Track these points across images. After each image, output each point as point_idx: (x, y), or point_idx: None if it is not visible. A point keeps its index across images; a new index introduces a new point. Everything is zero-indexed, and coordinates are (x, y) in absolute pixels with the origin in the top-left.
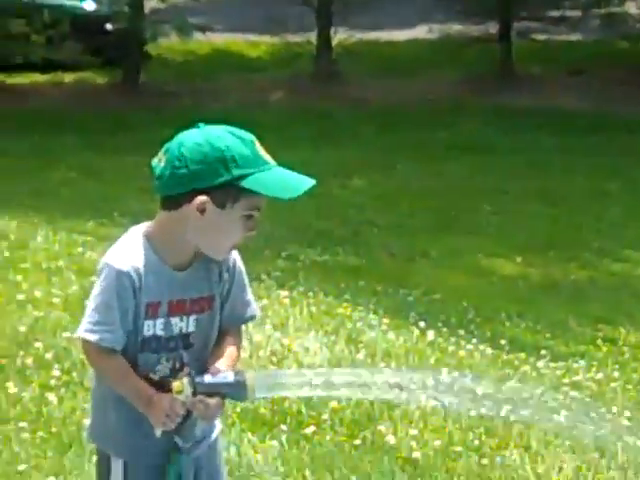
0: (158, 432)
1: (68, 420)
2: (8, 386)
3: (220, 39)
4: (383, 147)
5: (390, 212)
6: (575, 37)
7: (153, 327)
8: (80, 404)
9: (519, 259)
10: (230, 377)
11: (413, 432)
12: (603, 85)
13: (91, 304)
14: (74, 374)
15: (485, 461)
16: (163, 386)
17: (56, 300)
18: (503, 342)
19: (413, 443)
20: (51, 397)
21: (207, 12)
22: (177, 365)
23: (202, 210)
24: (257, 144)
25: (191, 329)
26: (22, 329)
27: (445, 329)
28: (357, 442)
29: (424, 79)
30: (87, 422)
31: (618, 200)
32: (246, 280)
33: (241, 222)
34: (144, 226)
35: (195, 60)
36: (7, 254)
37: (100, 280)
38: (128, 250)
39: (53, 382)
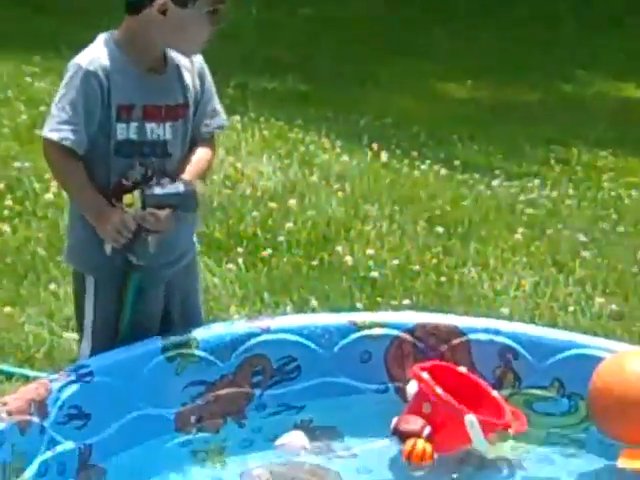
0: (108, 248)
1: (23, 249)
2: None
3: None
4: None
5: (339, 38)
6: None
7: (126, 130)
8: (34, 234)
9: (469, 82)
10: (180, 187)
11: (370, 252)
12: None
13: (57, 104)
14: (27, 204)
15: (443, 279)
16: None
17: (5, 130)
18: (456, 163)
19: (371, 263)
20: (5, 227)
21: None
22: (149, 172)
23: (163, 11)
24: None
25: (168, 136)
26: None
27: (398, 151)
28: (314, 263)
29: None
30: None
31: (568, 20)
32: (214, 89)
33: (206, 18)
34: (112, 32)
35: None
36: None
37: (67, 80)
38: (96, 52)
39: (6, 212)
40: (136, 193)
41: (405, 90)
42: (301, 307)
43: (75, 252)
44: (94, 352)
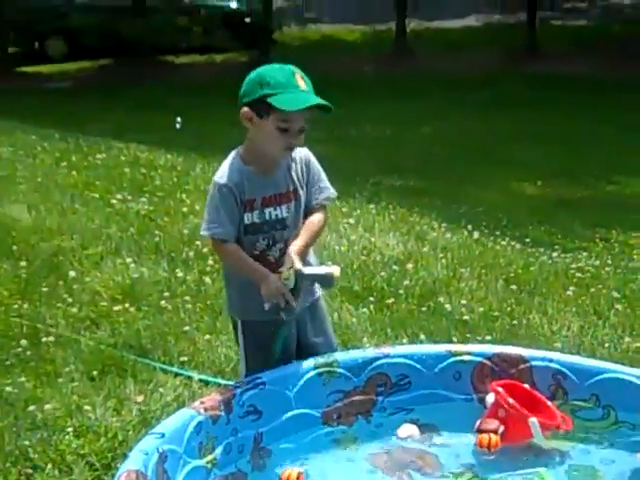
0: (267, 306)
1: (218, 295)
2: (177, 272)
3: (326, 28)
4: (445, 103)
5: (447, 149)
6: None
7: (251, 217)
8: None
9: (539, 183)
10: (323, 270)
11: (463, 302)
12: (604, 57)
13: (205, 212)
14: None
15: (515, 322)
16: (265, 260)
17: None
18: (527, 240)
19: (463, 309)
20: (207, 279)
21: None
22: (271, 242)
23: (249, 119)
24: (297, 75)
25: (285, 214)
26: (186, 232)
27: (486, 231)
28: (424, 309)
29: (474, 54)
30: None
31: (612, 139)
32: (321, 171)
33: (278, 133)
34: (239, 148)
35: (308, 44)
36: (175, 180)
37: (210, 193)
38: (227, 168)
39: (208, 268)
40: (291, 271)
41: (492, 187)
42: (413, 340)
43: (230, 305)
44: (249, 372)
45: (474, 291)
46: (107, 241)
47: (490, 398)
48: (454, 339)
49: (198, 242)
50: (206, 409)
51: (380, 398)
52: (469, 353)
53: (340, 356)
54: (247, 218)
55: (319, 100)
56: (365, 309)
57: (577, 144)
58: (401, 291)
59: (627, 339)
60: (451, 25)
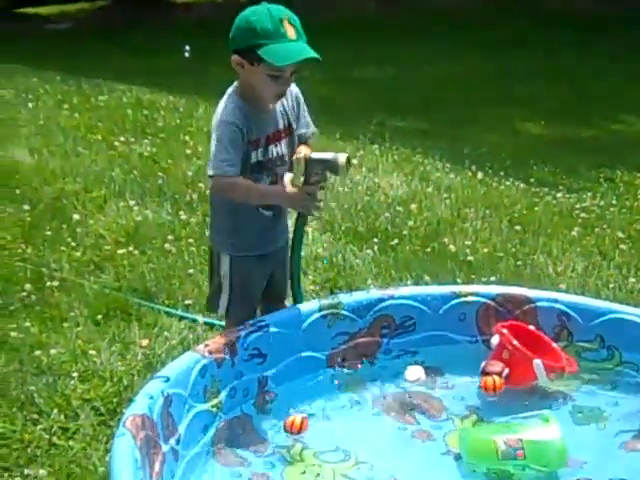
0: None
1: None
2: (180, 214)
3: None
4: (448, 43)
5: (450, 88)
6: None
7: (256, 155)
8: None
9: (543, 122)
10: (330, 155)
11: (468, 243)
12: None
13: (213, 151)
14: None
15: (519, 263)
16: None
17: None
18: (532, 180)
19: (467, 250)
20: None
21: None
22: (273, 179)
23: (240, 65)
24: (285, 22)
25: (284, 151)
26: (189, 174)
27: (490, 172)
28: (428, 250)
29: None
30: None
31: (619, 78)
32: (305, 107)
33: (270, 79)
34: (234, 85)
35: None
36: (178, 121)
37: (217, 133)
38: (230, 108)
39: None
40: (302, 159)
41: (496, 128)
42: (417, 281)
43: (216, 238)
44: (232, 307)
45: (478, 232)
46: (110, 184)
47: (495, 340)
48: (458, 280)
49: (202, 184)
50: (210, 352)
51: (385, 340)
52: (474, 294)
53: (345, 298)
54: (254, 157)
55: (309, 53)
56: (369, 250)
57: (582, 83)
58: (405, 232)
59: (632, 279)
60: None
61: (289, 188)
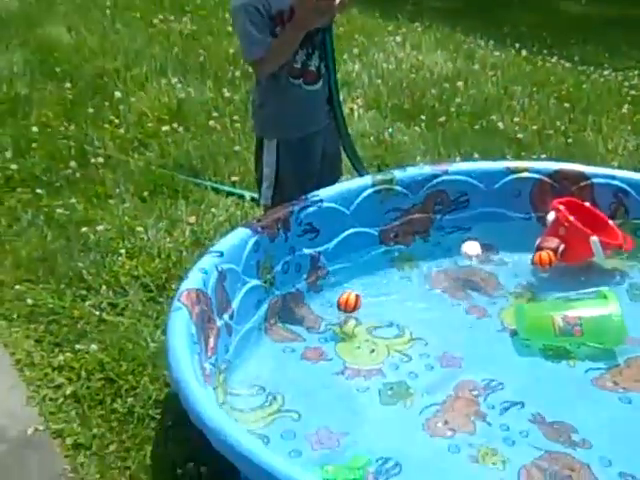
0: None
1: None
2: (223, 91)
3: None
4: None
5: None
6: None
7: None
8: None
9: (583, 1)
10: None
11: (516, 120)
12: None
13: (239, 39)
14: None
15: (570, 140)
16: (307, 72)
17: None
18: (576, 59)
19: (517, 128)
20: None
21: None
22: (310, 50)
23: None
24: None
25: None
26: (231, 51)
27: (534, 49)
28: (476, 127)
29: None
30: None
31: None
32: None
33: None
34: None
35: None
36: None
37: (236, 21)
38: None
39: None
40: None
41: (534, 6)
42: (466, 158)
43: (260, 124)
44: (283, 192)
45: (526, 109)
46: (151, 61)
47: (550, 216)
48: (508, 157)
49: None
50: (263, 227)
51: (438, 216)
52: (529, 170)
53: (398, 173)
54: (280, 32)
55: None
56: (417, 127)
57: None
58: (452, 109)
59: None
60: None
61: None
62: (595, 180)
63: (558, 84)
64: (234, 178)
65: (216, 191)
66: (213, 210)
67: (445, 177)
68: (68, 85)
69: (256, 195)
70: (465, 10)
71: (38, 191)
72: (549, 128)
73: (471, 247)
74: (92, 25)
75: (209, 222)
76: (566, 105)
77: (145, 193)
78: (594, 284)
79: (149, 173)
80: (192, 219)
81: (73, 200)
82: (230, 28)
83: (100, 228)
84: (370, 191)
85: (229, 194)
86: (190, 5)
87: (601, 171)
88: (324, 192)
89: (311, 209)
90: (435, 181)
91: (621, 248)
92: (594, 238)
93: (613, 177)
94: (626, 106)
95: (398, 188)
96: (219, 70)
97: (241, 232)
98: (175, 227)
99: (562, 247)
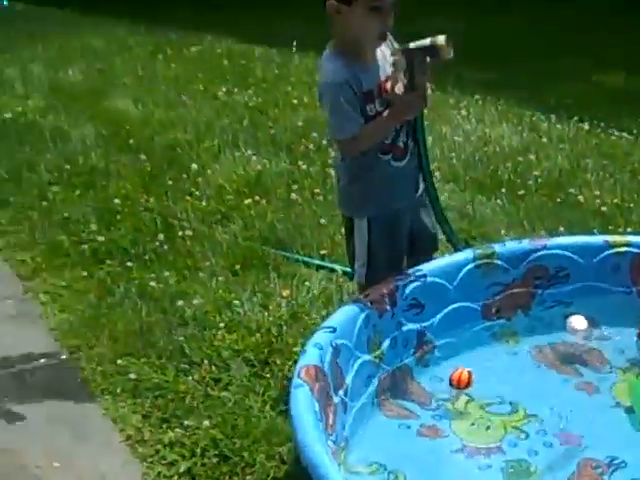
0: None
1: None
2: (299, 164)
3: None
4: None
5: (518, 38)
6: None
7: (374, 108)
8: None
9: (624, 74)
10: (427, 41)
11: (596, 193)
12: None
13: (330, 116)
14: None
15: None
16: (396, 149)
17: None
18: (635, 132)
19: (598, 201)
20: (331, 172)
21: None
22: (398, 126)
23: (337, 11)
24: None
25: (402, 91)
26: (299, 124)
27: (594, 121)
28: (558, 200)
29: None
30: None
31: None
32: None
33: (371, 13)
34: (329, 44)
35: None
36: (277, 72)
37: (327, 98)
38: (334, 68)
39: (329, 161)
40: (399, 54)
41: (575, 79)
42: (551, 232)
43: (347, 202)
44: (374, 269)
45: (601, 182)
46: (222, 134)
47: None
48: (594, 231)
49: (315, 134)
50: (372, 302)
51: (539, 291)
52: (628, 244)
53: (498, 248)
54: (370, 110)
55: None
56: (498, 200)
57: None
58: (530, 182)
59: None
60: None
61: (397, 98)
62: None
63: (627, 157)
64: (323, 251)
65: (306, 264)
66: (307, 283)
67: (545, 251)
68: (143, 157)
69: (347, 268)
70: (507, 81)
71: (128, 264)
72: (628, 201)
73: (578, 321)
74: (157, 97)
75: (303, 296)
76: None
77: (237, 266)
78: None
79: (236, 246)
80: (286, 292)
81: (166, 273)
82: (295, 101)
83: (196, 302)
84: (472, 265)
85: (319, 267)
86: (251, 78)
87: None
88: (427, 267)
89: (416, 284)
90: (535, 255)
91: None
92: None
93: None
94: None
95: (499, 262)
96: (291, 142)
97: (351, 308)
98: (270, 300)
99: None
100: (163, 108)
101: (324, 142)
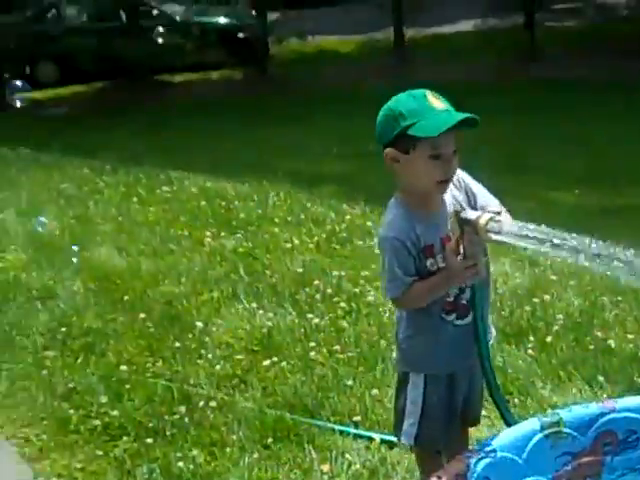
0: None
1: (361, 341)
2: (308, 317)
3: (321, 40)
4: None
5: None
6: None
7: (435, 263)
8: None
9: (577, 191)
10: (474, 215)
11: (630, 336)
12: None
13: (384, 273)
14: (352, 304)
15: None
16: (458, 305)
17: (311, 245)
18: None
19: (631, 345)
20: (343, 324)
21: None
22: (462, 284)
23: (395, 160)
24: (429, 96)
25: None
26: (299, 270)
27: None
28: (590, 347)
29: (474, 60)
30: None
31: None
32: (478, 185)
33: (430, 162)
34: (396, 195)
35: (306, 58)
36: (259, 212)
37: (382, 251)
38: (392, 218)
39: (340, 312)
40: (454, 219)
41: (527, 197)
42: (590, 382)
43: (403, 359)
44: (425, 430)
45: (622, 321)
46: (218, 284)
47: None
48: (636, 379)
49: (317, 281)
50: None
51: (608, 458)
52: None
53: (565, 414)
54: (431, 265)
55: (463, 114)
56: (529, 350)
57: (597, 147)
58: (555, 327)
59: None
60: (447, 31)
61: (451, 261)
62: None
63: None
64: (356, 418)
65: (341, 433)
66: (347, 456)
67: (613, 415)
68: (142, 315)
69: (386, 436)
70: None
71: (147, 440)
72: None
73: None
74: (141, 245)
75: (344, 470)
76: None
77: (269, 440)
78: None
79: (262, 416)
80: (325, 468)
81: (194, 452)
82: (288, 245)
83: None
84: (540, 436)
85: (356, 436)
86: (234, 220)
87: None
88: (496, 441)
89: (487, 461)
90: (603, 420)
91: None
92: None
93: None
94: None
95: (567, 430)
96: (294, 292)
97: None
98: (310, 477)
99: None
100: (150, 257)
101: (329, 291)
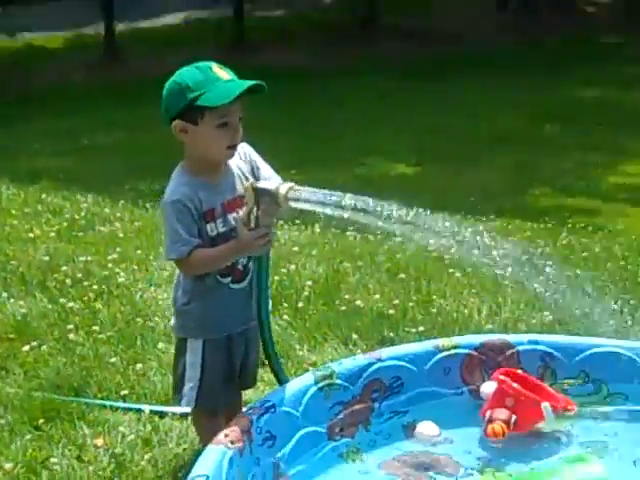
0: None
1: (116, 320)
2: (61, 302)
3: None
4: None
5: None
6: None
7: (215, 227)
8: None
9: (293, 171)
10: (272, 186)
11: (376, 297)
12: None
13: (165, 236)
14: (103, 286)
15: (434, 310)
16: (235, 271)
17: (52, 234)
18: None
19: (379, 304)
20: (98, 305)
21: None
22: (252, 254)
23: (184, 130)
24: (214, 67)
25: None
26: (46, 258)
27: None
28: (342, 308)
29: (184, 51)
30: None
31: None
32: (262, 160)
33: (219, 130)
34: (181, 163)
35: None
36: None
37: (164, 215)
38: (175, 184)
39: (92, 294)
40: (249, 189)
41: None
42: (345, 340)
43: (182, 325)
44: (205, 392)
45: (367, 284)
46: None
47: (486, 388)
48: (386, 334)
49: (65, 267)
50: (232, 442)
51: (376, 404)
52: (456, 346)
53: (336, 367)
54: (210, 229)
55: (250, 82)
56: (285, 316)
57: (311, 132)
58: (305, 293)
59: None
60: (157, 24)
61: (242, 233)
62: (520, 347)
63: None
64: (123, 392)
65: (111, 408)
66: (120, 428)
67: (380, 364)
68: None
69: (155, 407)
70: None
71: None
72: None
73: (428, 428)
74: None
75: (119, 442)
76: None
77: (40, 421)
78: (549, 449)
79: (29, 399)
80: (100, 442)
81: None
82: (31, 234)
83: (7, 466)
84: (314, 389)
85: (126, 410)
86: None
87: (524, 338)
88: (274, 396)
89: (267, 415)
90: (371, 369)
91: (567, 410)
92: (545, 404)
93: (537, 342)
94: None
95: (339, 382)
96: (43, 280)
97: (215, 451)
98: (85, 453)
99: (514, 418)
100: None
101: (79, 275)
